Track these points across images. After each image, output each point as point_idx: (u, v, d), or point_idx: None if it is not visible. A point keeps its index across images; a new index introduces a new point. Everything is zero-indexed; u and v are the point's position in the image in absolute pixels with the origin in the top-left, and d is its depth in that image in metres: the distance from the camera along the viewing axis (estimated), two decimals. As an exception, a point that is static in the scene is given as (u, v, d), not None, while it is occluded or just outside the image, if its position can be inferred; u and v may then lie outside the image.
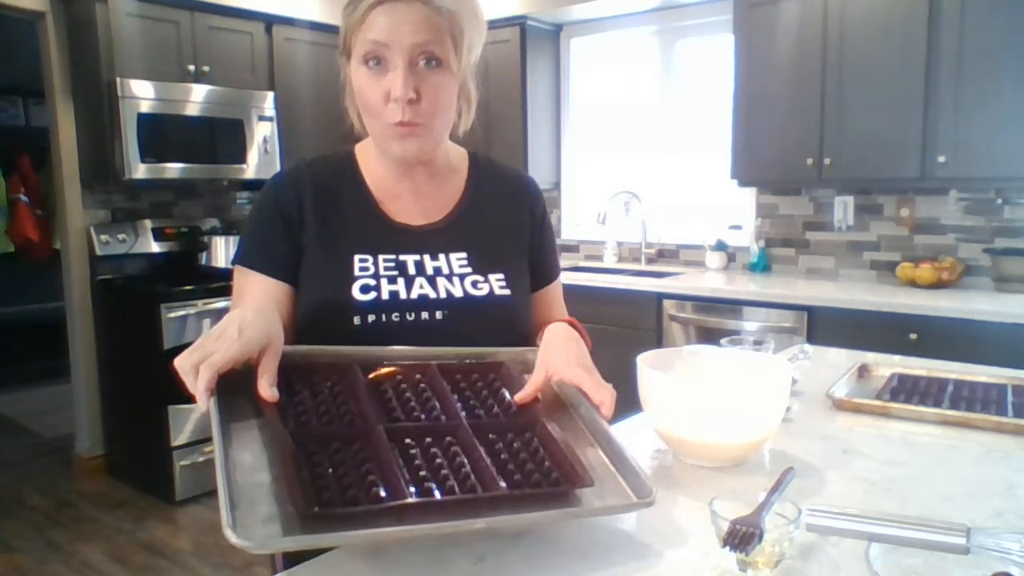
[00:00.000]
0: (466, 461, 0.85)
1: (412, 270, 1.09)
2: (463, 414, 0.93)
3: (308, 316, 1.07)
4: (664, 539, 0.87)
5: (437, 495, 0.78)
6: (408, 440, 0.85)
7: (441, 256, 1.12)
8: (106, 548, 3.05)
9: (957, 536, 0.74)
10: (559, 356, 1.03)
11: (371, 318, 1.05)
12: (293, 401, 0.87)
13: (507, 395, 1.00)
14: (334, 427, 0.85)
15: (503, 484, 0.82)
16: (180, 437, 3.41)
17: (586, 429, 0.99)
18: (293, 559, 0.87)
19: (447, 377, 1.00)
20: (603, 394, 0.97)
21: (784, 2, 3.22)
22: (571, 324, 1.14)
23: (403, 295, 1.07)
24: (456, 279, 1.11)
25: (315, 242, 1.08)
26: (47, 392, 5.01)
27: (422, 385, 0.97)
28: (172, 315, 3.36)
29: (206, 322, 3.44)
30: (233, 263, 1.12)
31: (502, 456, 0.88)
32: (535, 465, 0.88)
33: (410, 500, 0.76)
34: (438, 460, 0.84)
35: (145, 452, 3.53)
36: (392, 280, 1.07)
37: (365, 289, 1.05)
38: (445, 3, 0.99)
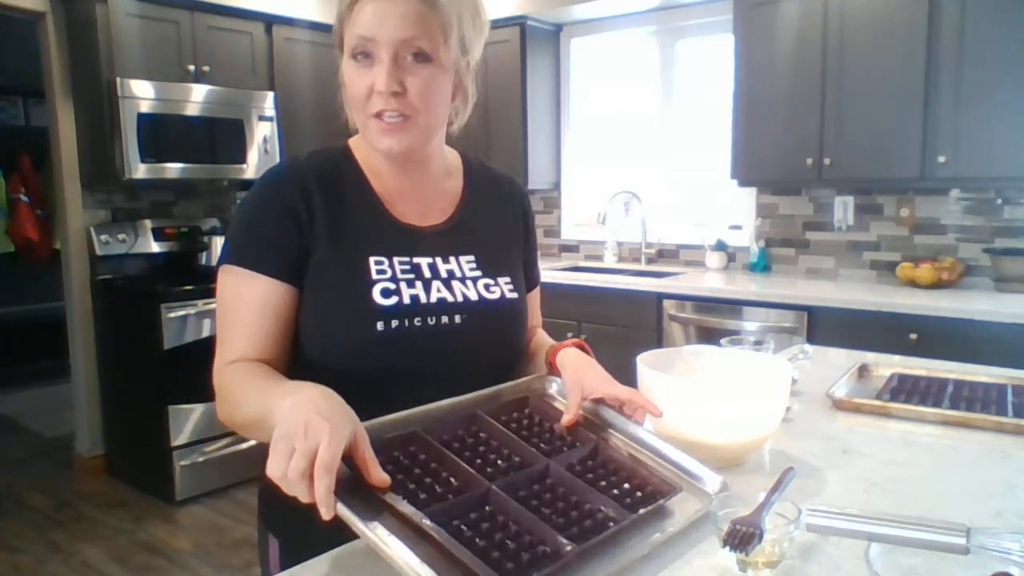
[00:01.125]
0: (577, 498, 0.88)
1: (428, 273, 1.07)
2: (538, 452, 0.95)
3: (326, 322, 1.02)
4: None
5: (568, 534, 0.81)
6: (522, 492, 0.86)
7: (452, 259, 1.10)
8: (106, 548, 3.05)
9: (957, 536, 0.74)
10: (591, 377, 1.07)
11: (394, 323, 1.01)
12: (394, 486, 0.82)
13: (550, 425, 1.04)
14: (455, 498, 0.83)
15: (625, 511, 0.86)
16: (180, 437, 3.41)
17: (631, 441, 1.03)
18: (289, 562, 0.87)
19: (497, 421, 1.00)
20: (645, 403, 1.03)
21: (784, 2, 3.22)
22: (580, 347, 1.15)
23: (423, 299, 1.04)
24: (469, 282, 1.10)
25: (327, 242, 1.02)
26: (47, 392, 5.01)
27: (481, 435, 0.98)
28: (172, 315, 3.36)
29: (206, 322, 3.44)
30: (223, 263, 1.02)
31: (601, 483, 0.92)
32: (629, 484, 0.93)
33: (572, 550, 0.77)
34: (559, 503, 0.86)
35: (145, 452, 3.53)
36: (411, 284, 1.04)
37: (386, 293, 1.02)
38: None
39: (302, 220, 1.02)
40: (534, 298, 1.29)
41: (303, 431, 0.75)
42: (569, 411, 1.03)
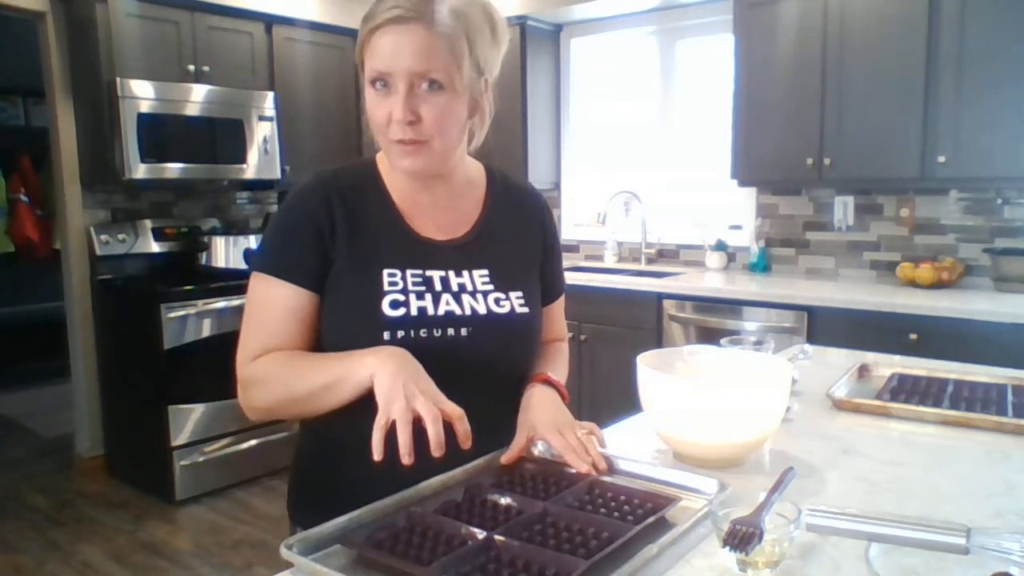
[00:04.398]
0: (580, 526, 0.89)
1: (439, 286, 1.10)
2: (534, 499, 0.96)
3: (337, 330, 1.08)
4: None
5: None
6: (524, 534, 0.87)
7: (465, 272, 1.13)
8: (106, 548, 3.05)
9: (957, 536, 0.74)
10: (540, 418, 1.10)
11: (400, 334, 1.05)
12: (397, 554, 0.84)
13: (543, 478, 1.05)
14: (459, 550, 0.83)
15: (629, 526, 0.88)
16: (180, 437, 3.41)
17: (620, 477, 1.06)
18: None
19: (489, 484, 1.01)
20: (576, 459, 1.04)
21: (784, 2, 3.22)
22: (547, 382, 1.16)
23: (431, 311, 1.08)
24: (480, 296, 1.12)
25: (345, 253, 1.08)
26: (47, 392, 5.01)
27: (476, 499, 0.98)
28: (172, 315, 3.36)
29: (206, 322, 3.44)
30: (254, 270, 1.10)
31: (601, 511, 0.94)
32: (628, 507, 0.95)
33: (583, 565, 0.78)
34: (564, 534, 0.87)
35: (145, 452, 3.53)
36: (420, 296, 1.08)
37: (395, 305, 1.06)
38: (445, 25, 1.00)
39: (324, 232, 1.08)
40: (556, 309, 1.31)
41: (417, 392, 0.91)
42: (511, 449, 1.08)
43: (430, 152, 1.06)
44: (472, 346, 1.09)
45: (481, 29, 1.05)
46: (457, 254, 1.14)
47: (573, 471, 1.05)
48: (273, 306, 1.08)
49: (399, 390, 0.91)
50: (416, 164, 1.06)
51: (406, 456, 0.86)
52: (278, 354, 1.06)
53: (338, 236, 1.08)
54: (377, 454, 0.87)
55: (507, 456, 1.07)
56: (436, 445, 0.88)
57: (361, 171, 1.15)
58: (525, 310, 1.15)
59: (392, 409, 0.89)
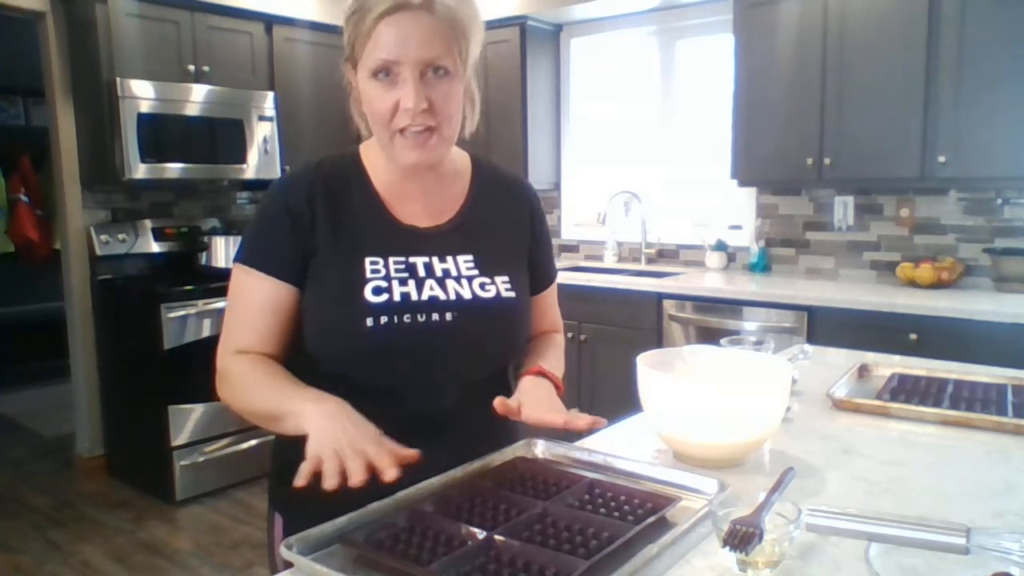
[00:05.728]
0: (580, 526, 0.89)
1: (422, 272, 1.10)
2: (534, 499, 0.96)
3: (320, 319, 1.07)
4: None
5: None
6: (525, 534, 0.87)
7: (449, 258, 1.13)
8: (106, 548, 3.05)
9: (957, 536, 0.74)
10: (530, 403, 1.06)
11: (383, 319, 1.05)
12: (397, 554, 0.84)
13: (543, 478, 1.04)
14: (459, 550, 0.83)
15: (629, 526, 0.88)
16: (180, 437, 3.41)
17: (620, 476, 1.06)
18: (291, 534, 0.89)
19: (488, 484, 1.01)
20: (577, 422, 1.02)
21: (784, 2, 3.22)
22: (541, 373, 1.15)
23: (414, 296, 1.07)
24: (464, 281, 1.12)
25: (326, 244, 1.08)
26: (47, 392, 5.01)
27: (476, 499, 0.98)
28: (172, 315, 3.36)
29: (206, 322, 3.44)
30: (236, 261, 1.11)
31: (601, 511, 0.94)
32: (628, 507, 0.95)
33: (583, 565, 0.78)
34: (564, 534, 0.87)
35: (145, 452, 3.53)
36: (403, 282, 1.08)
37: (377, 291, 1.06)
38: (448, 11, 1.01)
39: (304, 224, 1.08)
40: (549, 296, 1.30)
41: (347, 448, 0.88)
42: (502, 400, 1.03)
43: (440, 140, 1.05)
44: (457, 330, 1.08)
45: (470, 14, 1.06)
46: (441, 240, 1.13)
47: (573, 471, 1.05)
48: (250, 298, 1.08)
49: (326, 449, 0.88)
50: (426, 156, 1.05)
51: (356, 476, 0.86)
52: (254, 362, 1.06)
53: (319, 226, 1.08)
54: (302, 481, 0.86)
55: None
56: (357, 482, 0.85)
57: (345, 161, 1.15)
58: (511, 294, 1.14)
59: (325, 459, 0.88)
